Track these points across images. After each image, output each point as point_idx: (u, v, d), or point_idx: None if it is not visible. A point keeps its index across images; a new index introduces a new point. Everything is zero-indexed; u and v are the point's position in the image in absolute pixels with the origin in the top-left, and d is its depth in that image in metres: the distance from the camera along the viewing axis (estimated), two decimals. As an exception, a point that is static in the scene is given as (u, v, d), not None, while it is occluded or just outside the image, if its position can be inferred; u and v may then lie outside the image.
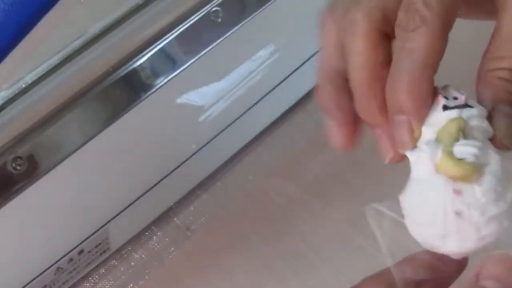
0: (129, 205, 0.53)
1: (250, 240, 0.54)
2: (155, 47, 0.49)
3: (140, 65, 0.48)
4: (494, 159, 0.32)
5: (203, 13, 0.50)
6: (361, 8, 0.34)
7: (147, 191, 0.51)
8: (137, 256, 0.57)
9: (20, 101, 0.46)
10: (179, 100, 0.50)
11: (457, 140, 0.32)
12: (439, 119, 0.33)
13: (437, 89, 0.34)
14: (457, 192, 0.31)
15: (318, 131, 0.58)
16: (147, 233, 0.57)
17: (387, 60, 0.34)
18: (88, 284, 0.56)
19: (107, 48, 0.48)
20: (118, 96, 0.48)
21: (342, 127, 0.35)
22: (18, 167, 0.45)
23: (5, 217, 0.45)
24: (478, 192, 0.31)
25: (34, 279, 0.49)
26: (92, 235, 0.52)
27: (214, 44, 0.50)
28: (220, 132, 0.55)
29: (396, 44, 0.33)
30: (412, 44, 0.32)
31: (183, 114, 0.52)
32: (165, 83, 0.49)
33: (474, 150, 0.32)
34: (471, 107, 0.33)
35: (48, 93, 0.47)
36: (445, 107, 0.33)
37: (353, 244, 0.52)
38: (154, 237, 0.57)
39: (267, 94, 0.56)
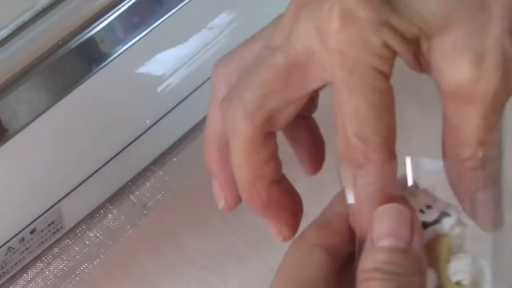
0: (82, 182, 0.52)
1: (207, 217, 0.54)
2: (110, 15, 0.48)
3: (93, 34, 0.48)
4: (486, 270, 0.33)
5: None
6: (242, 108, 0.33)
7: (101, 167, 0.50)
8: (92, 235, 0.57)
9: None
10: (136, 70, 0.50)
11: (449, 261, 0.33)
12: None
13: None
14: None
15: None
16: (102, 211, 0.57)
17: (269, 157, 0.34)
18: (41, 264, 0.55)
19: (58, 18, 0.47)
20: (70, 68, 0.48)
21: (225, 189, 0.37)
22: None
23: None
24: None
25: None
26: (44, 213, 0.51)
27: (171, 12, 0.50)
28: (177, 105, 0.54)
29: (345, 176, 0.33)
30: (363, 181, 0.32)
31: (140, 84, 0.51)
32: (121, 53, 0.48)
33: (467, 271, 0.32)
34: (448, 214, 0.33)
35: (10, 57, 0.46)
36: (425, 225, 0.33)
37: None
38: (110, 215, 0.57)
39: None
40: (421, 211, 0.33)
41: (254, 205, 0.36)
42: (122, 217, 0.57)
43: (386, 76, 0.32)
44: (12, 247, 0.50)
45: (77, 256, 0.56)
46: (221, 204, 0.38)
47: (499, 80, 0.31)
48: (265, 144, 0.34)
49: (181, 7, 0.50)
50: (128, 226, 0.57)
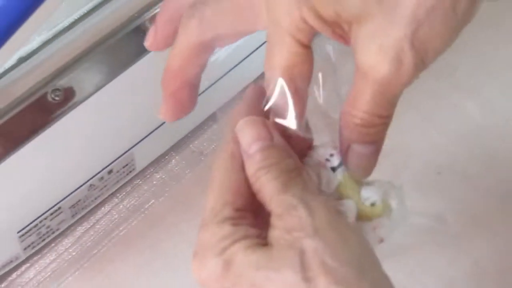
0: (151, 133, 0.56)
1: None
2: None
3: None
4: (392, 193, 0.38)
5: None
6: (199, 19, 0.39)
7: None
8: (158, 176, 0.60)
9: (57, 42, 0.50)
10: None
11: (359, 191, 0.38)
12: (333, 179, 0.38)
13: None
14: (376, 227, 0.37)
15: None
16: (166, 157, 0.60)
17: (201, 64, 0.41)
18: (116, 200, 0.59)
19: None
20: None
21: (158, 34, 0.43)
22: (56, 98, 0.48)
23: (46, 141, 0.49)
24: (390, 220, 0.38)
25: (71, 193, 0.53)
26: (120, 157, 0.55)
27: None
28: (228, 71, 0.57)
29: None
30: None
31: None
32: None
33: (376, 194, 0.38)
34: (332, 154, 0.38)
35: (82, 35, 0.50)
36: (333, 169, 0.38)
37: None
38: (173, 160, 0.60)
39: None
40: (327, 160, 0.38)
41: (165, 79, 0.42)
42: (183, 162, 0.60)
43: (302, 43, 0.36)
44: (93, 184, 0.54)
45: (146, 194, 0.60)
46: (147, 42, 0.43)
47: (388, 71, 0.34)
48: (203, 53, 0.40)
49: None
50: (188, 170, 0.60)
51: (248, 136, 0.36)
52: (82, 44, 0.50)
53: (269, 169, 0.35)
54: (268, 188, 0.35)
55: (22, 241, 0.53)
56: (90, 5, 0.51)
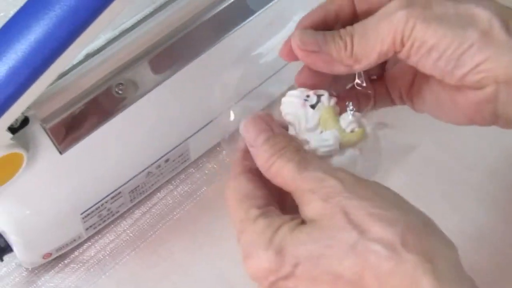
0: (205, 126, 0.57)
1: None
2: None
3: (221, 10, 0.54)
4: (364, 121, 0.41)
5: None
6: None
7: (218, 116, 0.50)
8: (210, 166, 0.62)
9: (122, 40, 0.53)
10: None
11: (338, 121, 0.41)
12: (313, 118, 0.41)
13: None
14: (360, 150, 0.41)
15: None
16: (218, 148, 0.62)
17: None
18: (171, 186, 0.61)
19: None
20: (206, 33, 0.54)
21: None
22: (120, 92, 0.51)
23: (110, 131, 0.51)
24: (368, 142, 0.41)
25: (131, 179, 0.55)
26: (176, 147, 0.56)
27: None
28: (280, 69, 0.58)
29: None
30: None
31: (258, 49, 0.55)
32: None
33: (353, 121, 0.41)
34: (322, 94, 0.42)
35: (145, 34, 0.53)
36: (312, 106, 0.41)
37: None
38: (224, 151, 0.61)
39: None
40: (305, 100, 0.41)
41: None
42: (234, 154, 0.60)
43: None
44: (151, 172, 0.56)
45: (198, 182, 0.61)
46: (282, 52, 0.43)
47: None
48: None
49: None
50: (238, 161, 0.60)
51: (252, 132, 0.39)
52: (144, 43, 0.53)
53: (280, 153, 0.38)
54: (286, 171, 0.37)
55: (84, 222, 0.55)
56: (152, 7, 0.54)
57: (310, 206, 0.36)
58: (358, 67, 0.41)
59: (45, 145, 0.50)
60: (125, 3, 0.41)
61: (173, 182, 0.61)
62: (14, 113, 0.43)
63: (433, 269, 0.32)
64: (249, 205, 0.37)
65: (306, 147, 0.40)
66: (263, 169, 0.38)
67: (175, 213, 0.60)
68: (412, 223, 0.33)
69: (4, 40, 0.41)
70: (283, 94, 0.43)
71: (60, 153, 0.50)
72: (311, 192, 0.36)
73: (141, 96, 0.52)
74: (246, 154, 0.40)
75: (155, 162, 0.55)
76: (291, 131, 0.42)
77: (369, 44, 0.40)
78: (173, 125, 0.55)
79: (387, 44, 0.39)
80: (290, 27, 0.52)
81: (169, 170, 0.58)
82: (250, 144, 0.39)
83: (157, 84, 0.53)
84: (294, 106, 0.42)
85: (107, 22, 0.42)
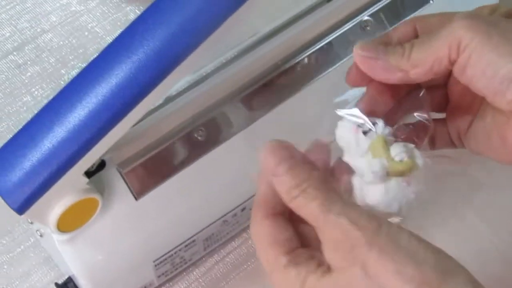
0: None
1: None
2: (315, 46, 0.54)
3: (301, 60, 0.54)
4: (416, 152, 0.41)
5: (354, 23, 0.55)
6: None
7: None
8: None
9: (202, 85, 0.53)
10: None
11: (388, 149, 0.41)
12: (363, 144, 0.41)
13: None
14: (407, 182, 0.40)
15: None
16: None
17: None
18: (245, 235, 0.61)
19: (274, 46, 0.54)
20: (285, 83, 0.54)
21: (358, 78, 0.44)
22: (200, 137, 0.51)
23: (187, 177, 0.51)
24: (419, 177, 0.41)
25: (206, 228, 0.54)
26: (253, 196, 0.51)
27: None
28: None
29: None
30: None
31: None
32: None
33: (404, 151, 0.41)
34: (376, 123, 0.42)
35: (225, 81, 0.53)
36: (364, 132, 0.42)
37: None
38: None
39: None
40: (359, 126, 0.42)
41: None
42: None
43: None
44: (226, 220, 0.55)
45: None
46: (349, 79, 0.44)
47: None
48: None
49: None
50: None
51: (272, 160, 0.39)
52: (225, 88, 0.53)
53: (302, 187, 0.38)
54: (309, 209, 0.37)
55: (157, 269, 0.54)
56: (230, 54, 0.54)
57: (331, 256, 0.37)
58: (414, 73, 0.41)
59: (121, 190, 0.50)
60: (207, 51, 0.42)
61: (248, 231, 0.61)
62: (92, 157, 0.43)
63: None
64: (277, 252, 0.38)
65: (353, 177, 0.41)
66: (285, 200, 0.39)
67: (249, 263, 0.60)
68: (428, 277, 0.33)
69: (85, 82, 0.42)
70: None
71: (136, 198, 0.50)
72: (333, 241, 0.37)
73: (221, 142, 0.52)
74: (267, 193, 0.40)
75: (232, 210, 0.55)
76: (345, 156, 0.42)
77: (427, 49, 0.41)
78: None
79: (443, 50, 0.40)
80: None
81: (245, 219, 0.58)
82: (271, 173, 0.39)
83: (238, 130, 0.53)
84: (347, 131, 0.42)
85: (190, 69, 0.42)
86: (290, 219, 0.40)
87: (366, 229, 0.35)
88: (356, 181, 0.41)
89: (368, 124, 0.42)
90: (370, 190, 0.41)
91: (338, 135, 0.43)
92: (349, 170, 0.42)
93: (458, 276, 0.34)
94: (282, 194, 0.39)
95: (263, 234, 0.40)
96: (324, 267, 0.37)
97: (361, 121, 0.42)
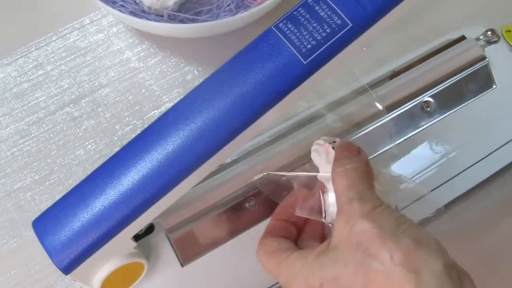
0: None
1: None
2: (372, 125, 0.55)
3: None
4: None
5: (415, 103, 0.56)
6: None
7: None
8: None
9: (257, 155, 0.53)
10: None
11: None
12: (332, 154, 0.47)
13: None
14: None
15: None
16: None
17: None
18: None
19: (332, 121, 0.54)
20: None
21: None
22: (250, 208, 0.52)
23: (237, 246, 0.51)
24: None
25: None
26: None
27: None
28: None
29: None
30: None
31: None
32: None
33: None
34: (335, 141, 0.48)
35: (278, 153, 0.53)
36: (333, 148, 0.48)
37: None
38: None
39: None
40: (329, 143, 0.48)
41: None
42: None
43: None
44: None
45: None
46: None
47: None
48: None
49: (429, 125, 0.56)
50: None
51: (344, 153, 0.47)
52: (278, 162, 0.53)
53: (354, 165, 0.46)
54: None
55: None
56: (286, 125, 0.54)
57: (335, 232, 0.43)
58: None
59: (168, 256, 0.50)
60: (265, 123, 0.42)
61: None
62: (143, 222, 0.44)
63: (417, 279, 0.38)
64: (279, 253, 0.45)
65: (325, 194, 0.48)
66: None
67: None
68: (402, 240, 0.40)
69: (141, 147, 0.43)
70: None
71: (182, 265, 0.50)
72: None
73: (271, 213, 0.51)
74: (274, 225, 0.49)
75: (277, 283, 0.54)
76: (319, 173, 0.48)
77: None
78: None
79: None
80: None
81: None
82: (337, 162, 0.47)
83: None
84: (319, 148, 0.49)
85: (248, 139, 0.43)
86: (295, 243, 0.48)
87: (366, 207, 0.42)
88: (326, 196, 0.47)
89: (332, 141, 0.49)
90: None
91: (313, 154, 0.49)
92: (322, 189, 0.48)
93: (429, 245, 0.40)
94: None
95: (265, 248, 0.46)
96: (323, 246, 0.43)
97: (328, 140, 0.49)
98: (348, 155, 0.47)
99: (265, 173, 0.51)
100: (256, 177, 0.51)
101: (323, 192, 0.48)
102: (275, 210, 0.50)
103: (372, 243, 0.40)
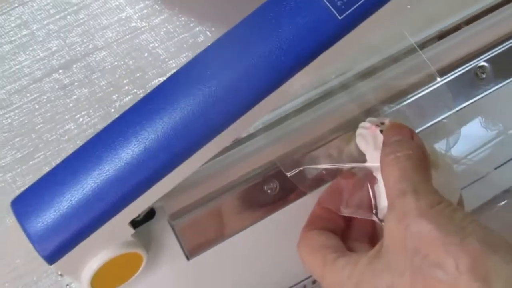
0: None
1: None
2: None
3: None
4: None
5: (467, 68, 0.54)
6: None
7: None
8: None
9: (281, 127, 0.51)
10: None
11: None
12: (380, 138, 0.46)
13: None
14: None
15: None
16: None
17: None
18: None
19: (369, 88, 0.52)
20: None
21: None
22: (270, 191, 0.50)
23: (252, 237, 0.50)
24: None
25: None
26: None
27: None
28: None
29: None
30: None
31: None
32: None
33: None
34: (384, 122, 0.47)
35: (310, 122, 0.51)
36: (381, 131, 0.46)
37: None
38: None
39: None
40: (378, 125, 0.46)
41: None
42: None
43: None
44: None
45: None
46: None
47: None
48: None
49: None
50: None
51: (394, 133, 0.45)
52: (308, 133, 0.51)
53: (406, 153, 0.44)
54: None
55: None
56: (313, 94, 0.53)
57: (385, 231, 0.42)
58: None
59: (171, 246, 0.49)
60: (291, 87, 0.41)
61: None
62: (142, 204, 0.42)
63: (486, 286, 0.37)
64: (325, 252, 0.44)
65: (375, 186, 0.47)
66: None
67: None
68: (469, 245, 0.38)
69: (143, 114, 0.41)
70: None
71: (188, 258, 0.49)
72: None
73: (295, 199, 0.51)
74: (318, 214, 0.48)
75: (300, 282, 0.54)
76: (367, 161, 0.47)
77: None
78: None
79: None
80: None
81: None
82: (386, 144, 0.45)
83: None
84: (366, 132, 0.47)
85: (271, 107, 0.42)
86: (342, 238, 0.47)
87: (423, 203, 0.40)
88: (376, 188, 0.46)
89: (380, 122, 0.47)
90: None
91: (358, 138, 0.48)
92: (371, 181, 0.47)
93: (500, 247, 0.38)
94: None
95: (310, 244, 0.46)
96: (375, 250, 0.42)
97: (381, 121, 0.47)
98: (399, 140, 0.44)
99: (301, 168, 0.49)
100: (289, 174, 0.49)
101: (373, 184, 0.47)
102: (320, 195, 0.49)
103: (433, 249, 0.38)
